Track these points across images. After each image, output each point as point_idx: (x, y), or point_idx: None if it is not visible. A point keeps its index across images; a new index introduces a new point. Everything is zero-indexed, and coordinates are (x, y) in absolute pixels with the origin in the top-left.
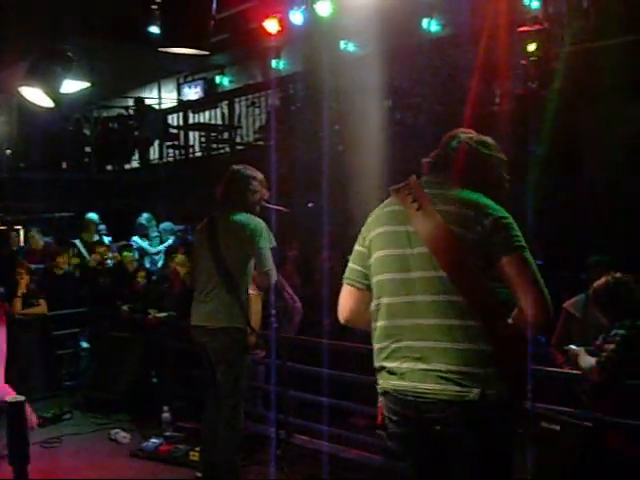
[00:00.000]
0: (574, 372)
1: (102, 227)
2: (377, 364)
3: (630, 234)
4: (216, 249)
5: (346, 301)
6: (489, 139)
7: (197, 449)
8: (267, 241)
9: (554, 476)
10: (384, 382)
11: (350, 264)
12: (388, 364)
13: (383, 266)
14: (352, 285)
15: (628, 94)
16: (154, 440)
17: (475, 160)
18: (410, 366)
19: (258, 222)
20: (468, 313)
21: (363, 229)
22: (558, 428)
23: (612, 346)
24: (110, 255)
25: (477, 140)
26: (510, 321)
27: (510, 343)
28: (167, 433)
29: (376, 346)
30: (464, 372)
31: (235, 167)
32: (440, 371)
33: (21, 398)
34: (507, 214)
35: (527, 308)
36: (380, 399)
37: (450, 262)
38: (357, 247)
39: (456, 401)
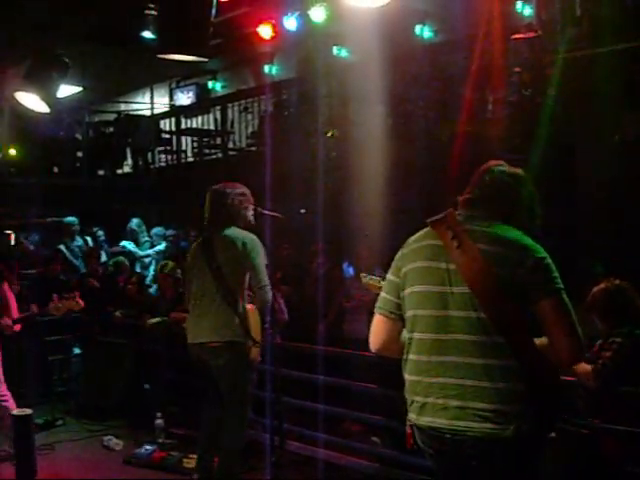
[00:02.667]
0: (569, 378)
1: (100, 233)
2: (409, 397)
3: (624, 241)
4: (214, 265)
5: (378, 331)
6: (520, 172)
7: (191, 456)
8: (262, 257)
9: None
10: (417, 418)
11: (383, 294)
12: (421, 399)
13: (420, 301)
14: (384, 315)
15: (622, 101)
16: (147, 447)
17: (508, 195)
18: (445, 403)
19: (252, 238)
20: (506, 353)
21: (397, 259)
22: (554, 435)
23: (609, 353)
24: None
25: (509, 173)
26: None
27: (545, 381)
28: (160, 440)
29: (407, 378)
30: (500, 410)
31: (213, 188)
32: (476, 409)
33: (28, 411)
34: (546, 254)
35: (560, 350)
36: (409, 425)
37: (491, 304)
38: (391, 277)
39: (492, 438)
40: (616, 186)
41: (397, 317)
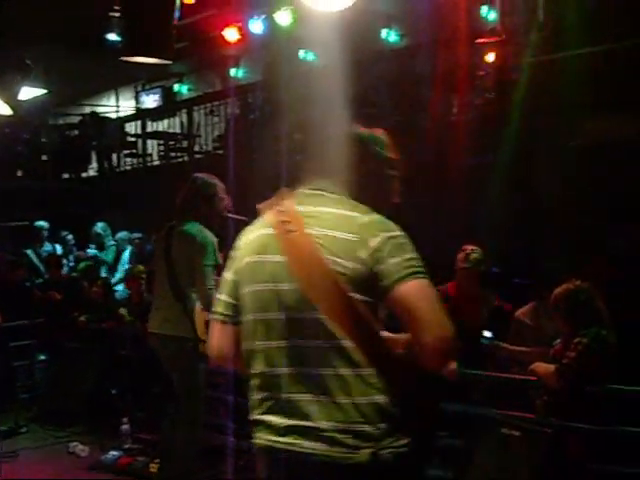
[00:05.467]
0: (531, 378)
1: (70, 237)
2: (253, 417)
3: (581, 243)
4: (168, 258)
5: (213, 339)
6: (377, 133)
7: (157, 461)
8: (211, 259)
9: None
10: (260, 438)
11: (218, 295)
12: (266, 418)
13: (253, 304)
14: (217, 320)
15: (584, 106)
16: (113, 453)
17: (353, 161)
18: (290, 423)
19: (206, 237)
20: (356, 360)
21: (233, 253)
22: (518, 434)
23: (574, 354)
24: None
25: (357, 136)
26: (406, 360)
27: (410, 391)
28: (126, 445)
29: (251, 397)
30: (351, 430)
31: (195, 175)
32: (323, 429)
33: None
34: (399, 231)
35: (423, 349)
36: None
37: (329, 301)
38: (226, 274)
39: (342, 464)
40: (577, 189)
41: (232, 321)
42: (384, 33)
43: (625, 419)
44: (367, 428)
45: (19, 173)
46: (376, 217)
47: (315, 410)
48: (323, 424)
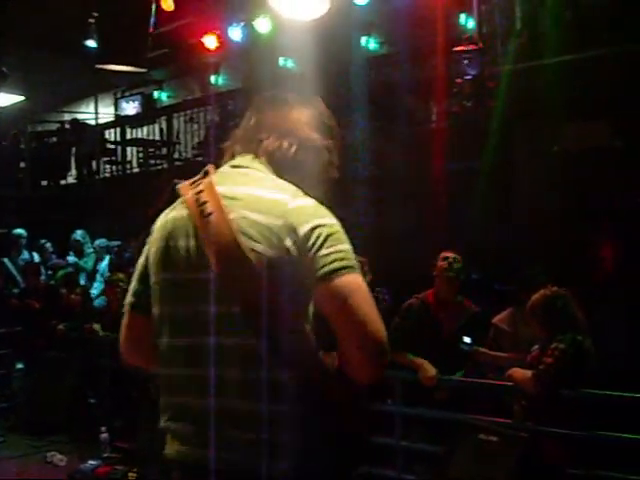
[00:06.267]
0: (508, 384)
1: (48, 245)
2: (161, 424)
3: (561, 249)
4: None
5: (123, 330)
6: (314, 99)
7: (135, 470)
8: None
9: None
10: (169, 448)
11: (132, 282)
12: (173, 425)
13: (162, 294)
14: (128, 311)
15: (561, 113)
16: (92, 462)
17: (287, 131)
18: (197, 430)
19: None
20: (274, 363)
21: (149, 238)
22: (495, 439)
23: (550, 359)
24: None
25: (288, 99)
26: (333, 369)
27: (335, 400)
28: (105, 454)
29: (160, 401)
30: (266, 440)
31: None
32: (233, 438)
33: None
34: (332, 220)
35: (352, 356)
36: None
37: (246, 294)
38: (140, 260)
39: (259, 475)
40: (555, 195)
41: (142, 312)
42: (364, 41)
43: (602, 423)
44: (283, 439)
45: None
46: (307, 201)
47: (224, 418)
48: (232, 433)
